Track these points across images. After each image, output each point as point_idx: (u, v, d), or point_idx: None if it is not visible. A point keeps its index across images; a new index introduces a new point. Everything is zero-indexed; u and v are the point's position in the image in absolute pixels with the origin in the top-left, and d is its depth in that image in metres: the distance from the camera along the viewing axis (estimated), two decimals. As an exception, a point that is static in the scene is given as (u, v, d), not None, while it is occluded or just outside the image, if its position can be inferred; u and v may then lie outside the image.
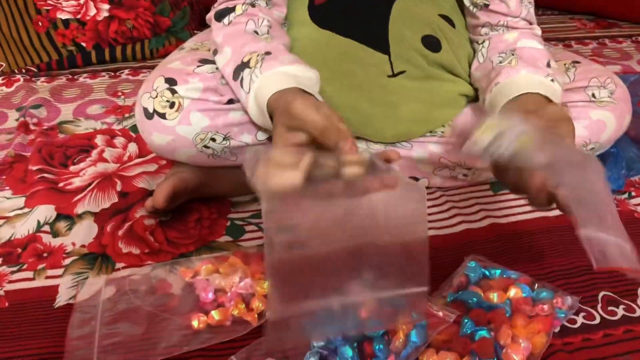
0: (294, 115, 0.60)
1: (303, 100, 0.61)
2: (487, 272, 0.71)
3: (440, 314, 0.63)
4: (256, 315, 0.66)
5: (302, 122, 0.59)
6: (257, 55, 0.70)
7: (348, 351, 0.60)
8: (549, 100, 0.72)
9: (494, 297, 0.66)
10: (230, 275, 0.69)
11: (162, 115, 0.76)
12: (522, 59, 0.78)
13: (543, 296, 0.67)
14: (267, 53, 0.71)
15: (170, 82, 0.76)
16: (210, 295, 0.68)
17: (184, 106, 0.75)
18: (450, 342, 0.61)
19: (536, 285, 0.69)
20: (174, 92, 0.76)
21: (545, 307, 0.65)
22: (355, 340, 0.61)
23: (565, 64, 0.89)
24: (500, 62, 0.80)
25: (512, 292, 0.67)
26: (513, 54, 0.80)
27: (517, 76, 0.76)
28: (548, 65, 0.79)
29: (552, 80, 0.75)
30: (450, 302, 0.67)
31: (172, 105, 0.75)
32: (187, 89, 0.76)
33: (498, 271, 0.71)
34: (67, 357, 0.62)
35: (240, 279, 0.69)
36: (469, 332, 0.61)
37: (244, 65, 0.71)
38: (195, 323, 0.65)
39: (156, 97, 0.76)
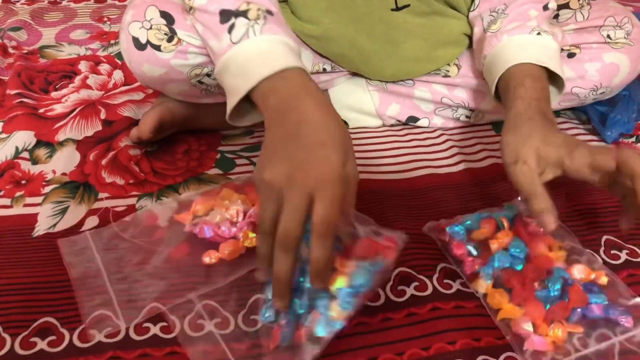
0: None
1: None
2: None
3: (386, 238, 0.56)
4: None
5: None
6: (258, 10, 0.59)
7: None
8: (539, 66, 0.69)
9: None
10: (232, 206, 0.65)
11: (157, 47, 0.70)
12: (509, 17, 0.75)
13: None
14: (269, 12, 0.60)
15: (167, 18, 0.69)
16: (225, 230, 0.64)
17: (183, 43, 0.70)
18: None
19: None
20: (173, 31, 0.69)
21: None
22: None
23: (579, 1, 0.84)
24: (488, 26, 0.77)
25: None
26: (503, 12, 0.76)
27: (499, 45, 0.73)
28: (545, 8, 0.75)
29: (539, 33, 0.72)
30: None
31: (170, 39, 0.69)
32: (188, 35, 0.69)
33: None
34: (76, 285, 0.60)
35: (245, 209, 0.65)
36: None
37: (239, 12, 0.59)
38: (207, 259, 0.62)
39: (150, 28, 0.70)
